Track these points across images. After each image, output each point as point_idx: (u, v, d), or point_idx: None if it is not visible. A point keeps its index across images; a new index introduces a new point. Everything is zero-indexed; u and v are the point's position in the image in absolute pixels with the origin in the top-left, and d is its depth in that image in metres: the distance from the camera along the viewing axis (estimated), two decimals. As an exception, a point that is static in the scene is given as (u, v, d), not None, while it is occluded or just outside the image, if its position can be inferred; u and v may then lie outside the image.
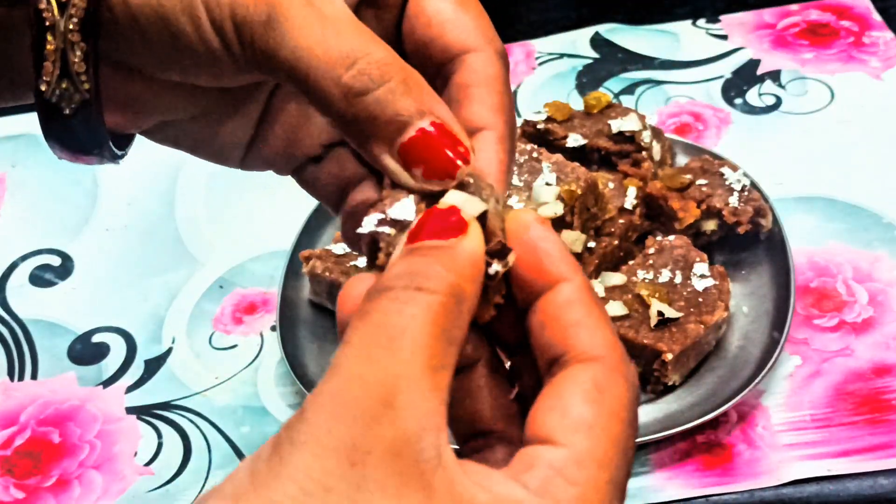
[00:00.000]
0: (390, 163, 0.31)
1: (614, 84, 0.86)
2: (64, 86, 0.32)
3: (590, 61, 0.88)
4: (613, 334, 0.30)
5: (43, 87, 0.33)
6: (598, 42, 0.90)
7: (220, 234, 0.77)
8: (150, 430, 0.64)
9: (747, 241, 0.68)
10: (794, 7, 0.91)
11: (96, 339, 0.71)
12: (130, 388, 0.67)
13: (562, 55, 0.89)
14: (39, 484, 0.62)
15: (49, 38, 0.32)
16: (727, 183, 0.68)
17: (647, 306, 0.62)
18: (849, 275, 0.68)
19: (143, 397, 0.66)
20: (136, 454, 0.63)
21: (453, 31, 0.34)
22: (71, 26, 0.32)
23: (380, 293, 0.28)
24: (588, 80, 0.86)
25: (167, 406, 0.66)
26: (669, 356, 0.60)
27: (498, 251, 0.30)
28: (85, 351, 0.70)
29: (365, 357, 0.26)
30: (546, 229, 0.31)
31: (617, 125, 0.71)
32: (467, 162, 0.31)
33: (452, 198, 0.30)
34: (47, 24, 0.32)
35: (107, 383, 0.67)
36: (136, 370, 0.68)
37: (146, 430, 0.64)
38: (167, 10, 0.32)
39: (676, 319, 0.61)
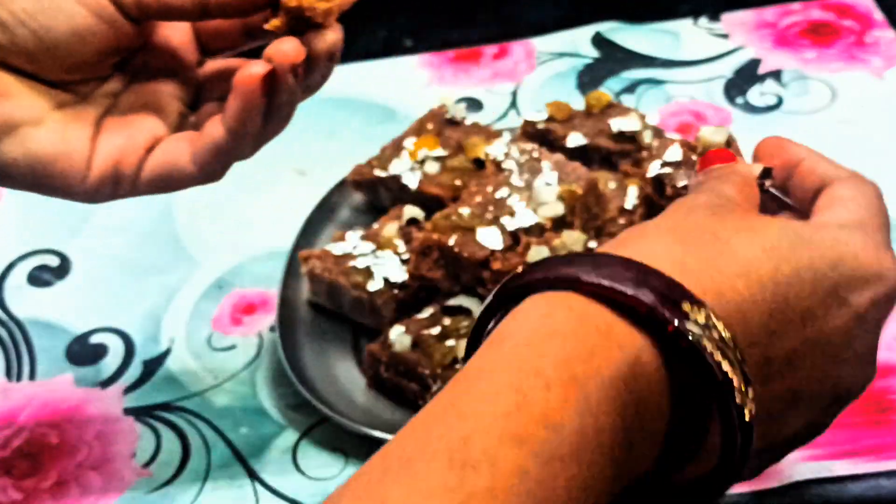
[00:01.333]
0: None
1: (615, 83, 0.85)
2: None
3: (590, 61, 0.88)
4: None
5: None
6: (598, 41, 0.90)
7: (219, 234, 0.77)
8: (149, 430, 0.64)
9: (749, 241, 0.67)
10: (795, 6, 0.90)
11: (94, 339, 0.70)
12: (129, 389, 0.67)
13: (562, 54, 0.89)
14: (37, 485, 0.62)
15: None
16: (728, 183, 0.68)
17: (648, 307, 0.61)
18: (851, 275, 0.68)
19: (141, 398, 0.66)
20: (134, 455, 0.63)
21: None
22: None
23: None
24: (589, 79, 0.86)
25: (165, 407, 0.66)
26: (671, 357, 0.59)
27: (766, 172, 0.44)
28: (83, 351, 0.70)
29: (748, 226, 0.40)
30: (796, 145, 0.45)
31: (618, 125, 0.71)
32: None
33: (704, 131, 0.56)
34: None
35: (105, 384, 0.67)
36: (134, 371, 0.68)
37: (144, 430, 0.64)
38: None
39: (678, 320, 0.61)
